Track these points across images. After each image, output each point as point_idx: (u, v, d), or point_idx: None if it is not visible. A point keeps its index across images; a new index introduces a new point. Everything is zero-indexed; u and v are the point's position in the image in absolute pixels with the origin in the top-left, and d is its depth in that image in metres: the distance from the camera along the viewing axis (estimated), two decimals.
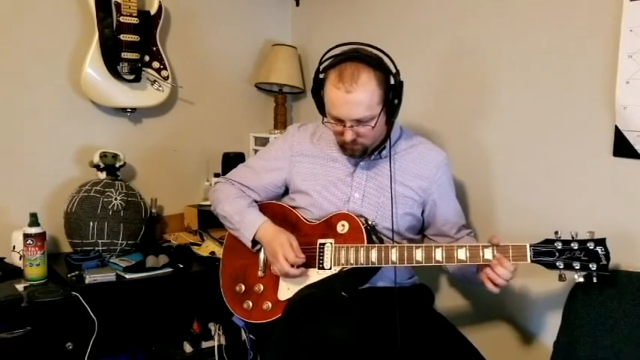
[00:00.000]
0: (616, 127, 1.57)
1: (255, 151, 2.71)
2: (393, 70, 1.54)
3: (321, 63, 1.57)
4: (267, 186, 1.78)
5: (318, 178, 1.70)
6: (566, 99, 1.71)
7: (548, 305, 1.77)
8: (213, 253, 2.21)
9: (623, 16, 1.53)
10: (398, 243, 1.62)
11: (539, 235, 1.43)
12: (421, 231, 1.78)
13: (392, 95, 1.53)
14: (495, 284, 1.44)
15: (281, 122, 2.73)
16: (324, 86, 1.54)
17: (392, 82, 1.54)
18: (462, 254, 1.46)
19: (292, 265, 1.55)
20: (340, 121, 1.53)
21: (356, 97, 1.47)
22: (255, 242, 1.68)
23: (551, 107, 1.75)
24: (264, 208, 1.75)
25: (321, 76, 1.56)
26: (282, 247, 1.57)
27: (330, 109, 1.54)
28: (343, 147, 1.63)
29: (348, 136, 1.53)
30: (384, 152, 1.66)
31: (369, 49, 1.54)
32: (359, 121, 1.51)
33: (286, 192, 1.80)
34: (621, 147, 1.56)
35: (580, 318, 1.50)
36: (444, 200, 1.72)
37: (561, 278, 1.38)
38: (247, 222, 1.68)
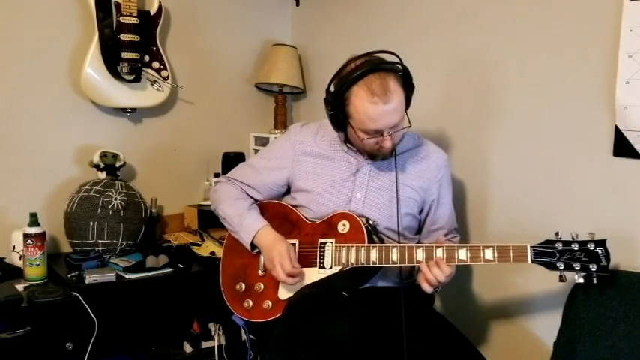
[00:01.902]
0: (616, 127, 1.57)
1: (255, 151, 2.71)
2: (399, 64, 1.54)
3: (329, 85, 1.56)
4: (268, 185, 1.77)
5: (321, 178, 1.70)
6: (566, 99, 1.71)
7: (548, 305, 1.77)
8: (213, 253, 2.21)
9: (623, 16, 1.53)
10: (398, 243, 1.62)
11: (539, 235, 1.43)
12: (419, 231, 1.78)
13: (407, 89, 1.55)
14: (430, 284, 1.49)
15: (281, 122, 2.73)
16: (349, 105, 1.52)
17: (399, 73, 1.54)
18: (462, 254, 1.47)
19: (289, 275, 1.55)
20: (378, 132, 1.53)
21: (393, 105, 1.49)
22: (254, 246, 1.68)
23: (551, 107, 1.75)
24: (265, 207, 1.76)
25: (335, 98, 1.53)
26: (279, 256, 1.57)
27: (365, 125, 1.52)
28: (375, 154, 1.62)
29: (389, 143, 1.54)
30: None
31: (373, 55, 1.54)
32: (394, 127, 1.52)
33: (288, 191, 1.80)
34: (621, 147, 1.56)
35: (580, 318, 1.50)
36: (441, 202, 1.74)
37: (561, 279, 1.39)
38: (246, 225, 1.68)
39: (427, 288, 1.50)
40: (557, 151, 1.74)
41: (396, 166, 1.65)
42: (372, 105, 1.48)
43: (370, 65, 1.50)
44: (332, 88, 1.56)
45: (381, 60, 1.53)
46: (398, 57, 1.54)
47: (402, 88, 1.52)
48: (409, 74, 1.55)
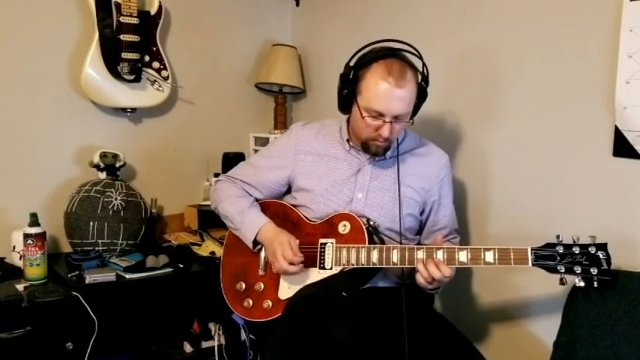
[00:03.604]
0: (616, 127, 1.57)
1: (256, 151, 2.71)
2: (421, 71, 1.57)
3: (351, 59, 1.57)
4: (269, 184, 1.77)
5: (322, 178, 1.69)
6: (566, 99, 1.71)
7: (548, 305, 1.77)
8: (213, 253, 2.21)
9: (623, 16, 1.53)
10: (399, 244, 1.62)
11: (539, 235, 1.43)
12: (420, 232, 1.78)
13: (419, 95, 1.57)
14: (424, 279, 1.48)
15: (281, 122, 2.73)
16: (363, 80, 1.53)
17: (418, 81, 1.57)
18: (463, 256, 1.46)
19: (291, 263, 1.55)
20: (380, 115, 1.53)
21: (403, 93, 1.50)
22: (256, 242, 1.68)
23: (551, 107, 1.75)
24: (266, 206, 1.75)
25: (351, 74, 1.55)
26: (281, 246, 1.57)
27: (371, 103, 1.52)
28: (369, 144, 1.61)
29: (386, 131, 1.53)
30: (388, 153, 1.66)
31: (402, 46, 1.56)
32: (396, 118, 1.53)
33: (289, 190, 1.80)
34: (621, 147, 1.56)
35: (580, 318, 1.50)
36: (442, 203, 1.74)
37: (562, 282, 1.39)
38: (249, 222, 1.68)
39: (421, 282, 1.50)
40: (557, 151, 1.74)
41: (398, 166, 1.65)
42: (384, 83, 1.49)
43: (396, 50, 1.53)
44: (352, 63, 1.57)
45: (404, 52, 1.56)
46: (422, 60, 1.56)
47: (416, 86, 1.54)
48: (426, 81, 1.57)
